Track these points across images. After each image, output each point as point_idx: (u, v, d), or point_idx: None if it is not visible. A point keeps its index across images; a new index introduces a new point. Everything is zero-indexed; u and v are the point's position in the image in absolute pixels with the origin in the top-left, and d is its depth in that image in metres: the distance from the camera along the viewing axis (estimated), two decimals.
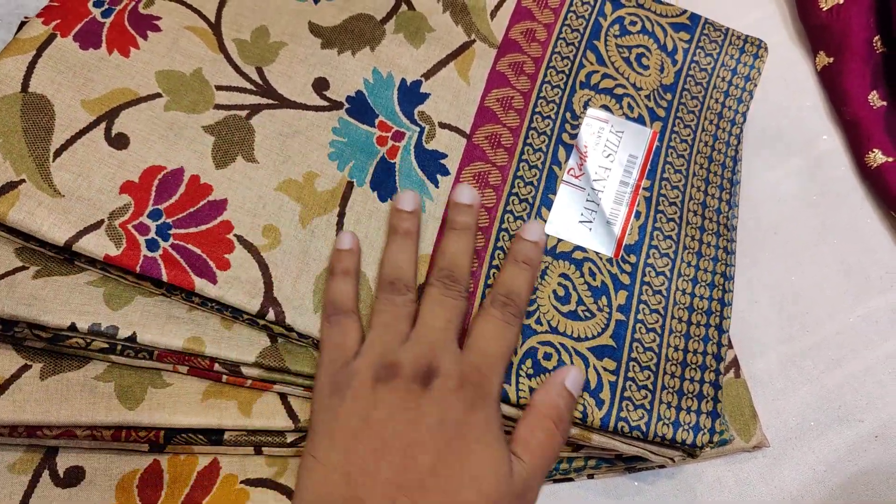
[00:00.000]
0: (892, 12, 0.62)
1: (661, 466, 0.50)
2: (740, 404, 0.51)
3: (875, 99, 0.62)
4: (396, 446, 0.38)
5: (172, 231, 0.43)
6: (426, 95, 0.51)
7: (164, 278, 0.42)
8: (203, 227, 0.44)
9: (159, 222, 0.43)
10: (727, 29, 0.57)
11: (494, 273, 0.47)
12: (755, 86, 0.56)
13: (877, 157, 0.60)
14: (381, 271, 0.45)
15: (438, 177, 0.49)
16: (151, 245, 0.42)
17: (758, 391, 0.54)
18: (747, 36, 0.57)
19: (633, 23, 0.56)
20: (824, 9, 0.65)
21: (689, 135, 0.54)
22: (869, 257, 0.59)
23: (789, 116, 0.64)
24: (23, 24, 0.53)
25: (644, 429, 0.44)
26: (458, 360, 0.41)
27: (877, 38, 0.63)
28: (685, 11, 0.57)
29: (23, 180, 0.42)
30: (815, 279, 0.58)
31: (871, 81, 0.63)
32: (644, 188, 0.52)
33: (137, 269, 0.42)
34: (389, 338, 0.42)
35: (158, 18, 0.50)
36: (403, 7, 0.54)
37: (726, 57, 0.57)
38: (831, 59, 0.64)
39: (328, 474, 0.38)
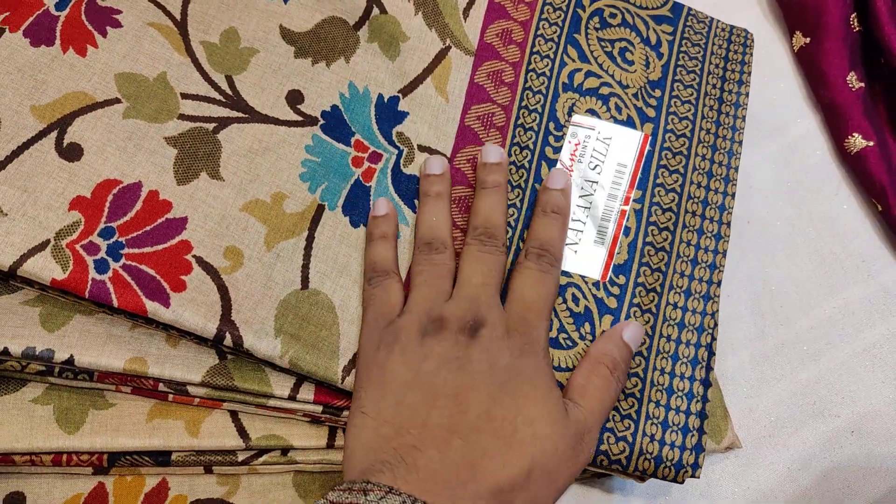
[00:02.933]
0: None
1: None
2: (712, 405, 0.49)
3: (853, 80, 0.60)
4: (448, 394, 0.39)
5: (125, 251, 0.41)
6: (404, 114, 0.49)
7: (115, 304, 0.39)
8: (159, 247, 0.41)
9: (111, 241, 0.41)
10: (711, 19, 0.55)
11: None
12: (749, 72, 0.53)
13: (857, 142, 0.59)
14: (417, 233, 0.46)
15: (416, 202, 0.47)
16: (100, 266, 0.40)
17: (729, 389, 0.52)
18: (732, 27, 0.55)
19: (612, 15, 0.53)
20: None
21: (686, 126, 0.51)
22: (844, 246, 0.57)
23: (763, 99, 0.62)
24: None
25: (625, 462, 0.43)
26: (503, 312, 0.42)
27: (854, 15, 0.61)
28: (667, 2, 0.54)
29: None
30: (789, 270, 0.56)
31: (849, 62, 0.61)
32: (635, 199, 0.49)
33: (86, 294, 0.39)
34: (433, 294, 0.43)
35: (119, 12, 0.46)
36: (375, 11, 0.51)
37: (714, 46, 0.54)
38: (808, 40, 0.62)
39: (379, 427, 0.38)
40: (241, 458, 0.43)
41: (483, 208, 0.45)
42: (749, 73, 0.53)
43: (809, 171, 0.60)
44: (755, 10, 0.66)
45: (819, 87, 0.61)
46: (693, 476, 0.43)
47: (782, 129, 0.61)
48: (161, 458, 0.42)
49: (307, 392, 0.42)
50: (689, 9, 0.54)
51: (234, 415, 0.43)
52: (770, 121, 0.61)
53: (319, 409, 0.43)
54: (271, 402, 0.42)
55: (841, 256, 0.57)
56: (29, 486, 0.43)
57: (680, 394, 0.44)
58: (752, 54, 0.54)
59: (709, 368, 0.45)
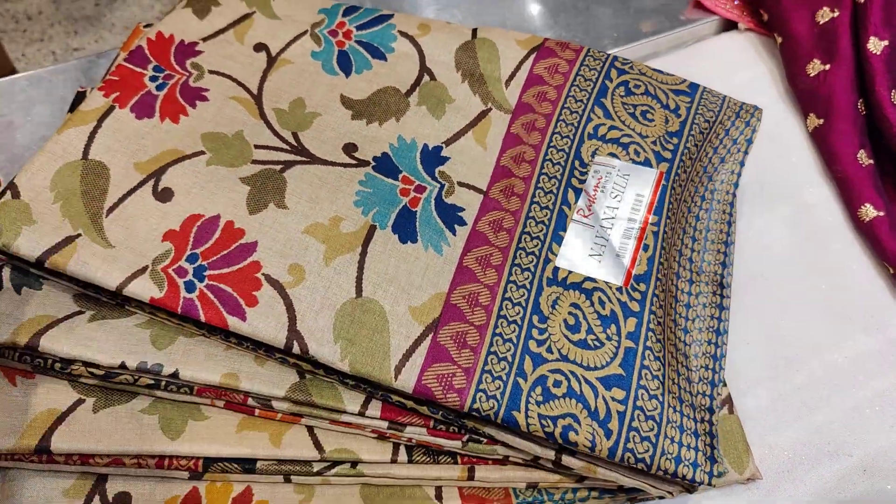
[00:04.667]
0: (866, 77, 0.67)
1: (661, 497, 0.53)
2: (734, 439, 0.54)
3: (863, 157, 0.66)
4: None
5: (207, 272, 0.48)
6: (446, 158, 0.56)
7: (202, 319, 0.47)
8: (234, 268, 0.49)
9: (196, 265, 0.48)
10: (724, 97, 0.62)
11: (507, 305, 0.51)
12: (747, 154, 0.58)
13: (869, 212, 0.65)
14: None
15: (456, 227, 0.54)
16: (189, 287, 0.47)
17: (750, 427, 0.57)
18: (742, 104, 0.61)
19: (637, 86, 0.61)
20: (811, 75, 0.70)
21: (692, 169, 0.57)
22: (852, 301, 0.63)
23: (777, 169, 0.68)
24: (78, 94, 0.60)
25: (648, 461, 0.47)
26: None
27: (860, 100, 0.68)
28: (685, 81, 0.62)
29: (79, 234, 0.48)
30: (801, 321, 0.62)
31: (858, 141, 0.67)
32: (652, 223, 0.55)
33: (179, 310, 0.47)
34: None
35: (206, 90, 0.56)
36: (426, 78, 0.60)
37: (720, 125, 0.60)
38: (821, 121, 0.69)
39: None
40: (315, 468, 0.49)
41: None
42: (747, 153, 0.58)
43: (820, 232, 0.66)
44: (771, 92, 0.73)
45: (832, 162, 0.68)
46: (710, 484, 0.48)
47: (795, 196, 0.68)
48: (248, 465, 0.48)
49: (374, 409, 0.48)
50: (705, 88, 0.62)
51: (310, 429, 0.49)
52: (784, 188, 0.68)
53: (385, 424, 0.49)
54: (344, 418, 0.48)
55: (850, 310, 0.62)
56: (134, 488, 0.49)
57: (688, 404, 0.49)
58: (757, 126, 0.60)
59: (711, 398, 0.49)
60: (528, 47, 0.62)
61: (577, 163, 0.57)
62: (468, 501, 0.51)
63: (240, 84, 0.57)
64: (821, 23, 0.70)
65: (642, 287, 0.53)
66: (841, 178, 0.67)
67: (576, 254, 0.54)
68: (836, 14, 0.69)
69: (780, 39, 0.73)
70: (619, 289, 0.52)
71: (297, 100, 0.57)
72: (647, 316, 0.52)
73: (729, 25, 0.80)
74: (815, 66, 0.70)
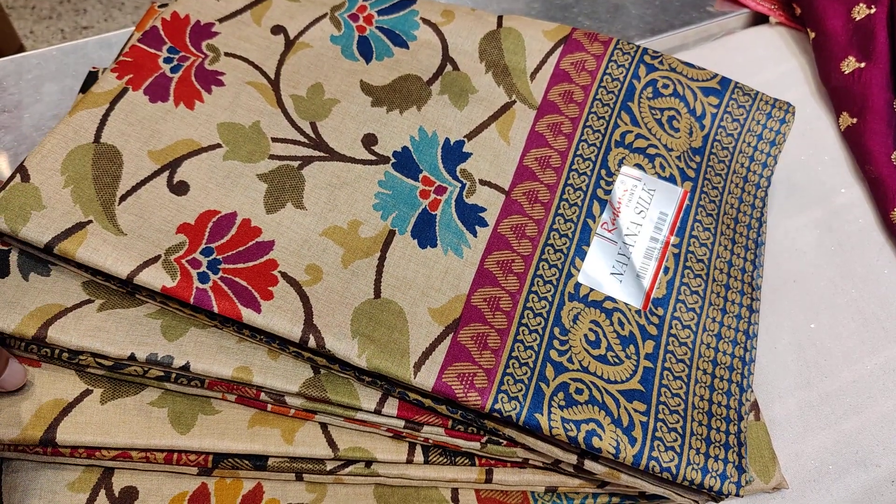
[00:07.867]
0: None
1: None
2: (760, 446, 0.53)
3: None
4: None
5: (222, 266, 0.47)
6: (468, 154, 0.55)
7: (215, 309, 0.45)
8: (250, 264, 0.47)
9: (210, 258, 0.47)
10: (756, 93, 0.60)
11: (528, 314, 0.49)
12: (780, 151, 0.58)
13: None
14: None
15: (477, 228, 0.52)
16: (203, 278, 0.46)
17: (777, 434, 0.55)
18: (776, 100, 0.60)
19: (665, 86, 0.59)
20: (846, 72, 0.68)
21: (716, 196, 0.56)
22: (884, 308, 0.61)
23: (808, 170, 0.66)
24: (90, 74, 0.58)
25: (674, 471, 0.46)
26: None
27: (895, 100, 0.66)
28: (716, 76, 0.60)
29: (90, 221, 0.46)
30: (832, 327, 0.60)
31: (893, 141, 0.65)
32: (673, 244, 0.54)
33: (191, 300, 0.45)
34: None
35: (222, 74, 0.54)
36: (449, 68, 0.58)
37: (752, 122, 0.59)
38: (854, 120, 0.67)
39: None
40: (329, 467, 0.47)
41: None
42: (780, 150, 0.58)
43: (852, 236, 0.64)
44: (802, 88, 0.71)
45: (865, 163, 0.66)
46: (737, 494, 0.46)
47: (826, 198, 0.66)
48: (259, 462, 0.47)
49: (391, 407, 0.47)
50: (737, 83, 0.60)
51: (324, 427, 0.48)
52: (814, 189, 0.66)
53: (401, 423, 0.47)
54: (359, 416, 0.47)
55: (881, 317, 0.60)
56: (141, 483, 0.47)
57: (719, 417, 0.48)
58: (789, 127, 0.59)
59: (741, 403, 0.49)
60: (554, 39, 0.60)
61: (603, 171, 0.56)
62: None
63: (256, 67, 0.55)
64: (857, 19, 0.68)
65: (660, 311, 0.52)
66: (874, 179, 0.65)
67: (598, 271, 0.52)
68: (872, 11, 0.68)
69: (812, 35, 0.71)
70: (638, 311, 0.51)
71: (316, 85, 0.55)
72: (665, 339, 0.51)
73: (759, 19, 0.78)
74: (849, 64, 0.68)
